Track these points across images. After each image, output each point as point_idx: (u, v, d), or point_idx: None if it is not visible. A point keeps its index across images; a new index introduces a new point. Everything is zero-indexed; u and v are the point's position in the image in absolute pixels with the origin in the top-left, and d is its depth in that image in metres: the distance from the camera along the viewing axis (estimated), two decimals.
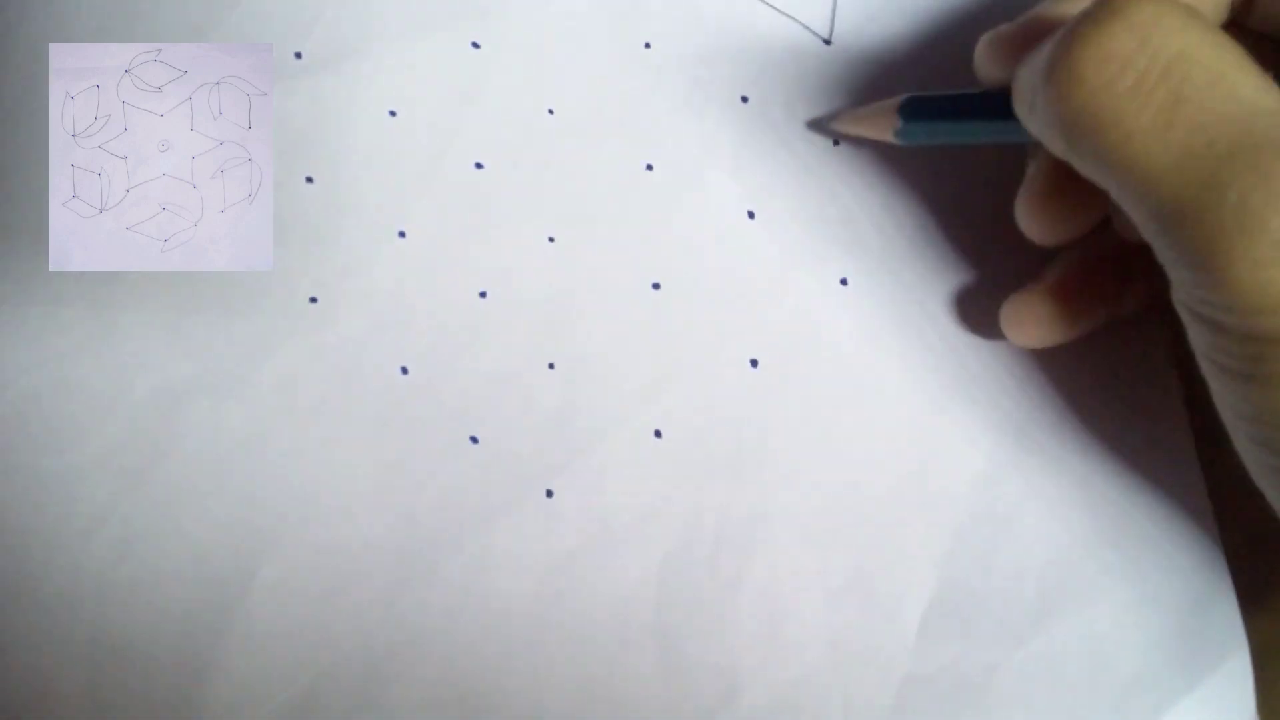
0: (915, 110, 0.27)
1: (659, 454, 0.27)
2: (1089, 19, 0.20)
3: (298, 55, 0.29)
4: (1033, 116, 0.22)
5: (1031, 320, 0.26)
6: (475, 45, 0.30)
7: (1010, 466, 0.28)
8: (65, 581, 0.25)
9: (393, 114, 0.29)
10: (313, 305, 0.28)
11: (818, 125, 0.30)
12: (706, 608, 0.26)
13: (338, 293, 0.28)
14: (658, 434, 0.27)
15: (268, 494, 0.26)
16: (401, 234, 0.28)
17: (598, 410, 0.27)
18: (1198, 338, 0.21)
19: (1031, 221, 0.25)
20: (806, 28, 0.31)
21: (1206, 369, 0.21)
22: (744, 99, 0.30)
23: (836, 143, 0.30)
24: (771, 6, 0.31)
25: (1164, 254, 0.20)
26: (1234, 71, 0.19)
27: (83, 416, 0.27)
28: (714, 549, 0.27)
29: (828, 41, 0.31)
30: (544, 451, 0.27)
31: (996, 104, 0.25)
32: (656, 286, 0.29)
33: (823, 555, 0.27)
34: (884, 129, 0.27)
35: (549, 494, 0.27)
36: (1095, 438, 0.28)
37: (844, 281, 0.29)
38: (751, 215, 0.29)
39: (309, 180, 0.29)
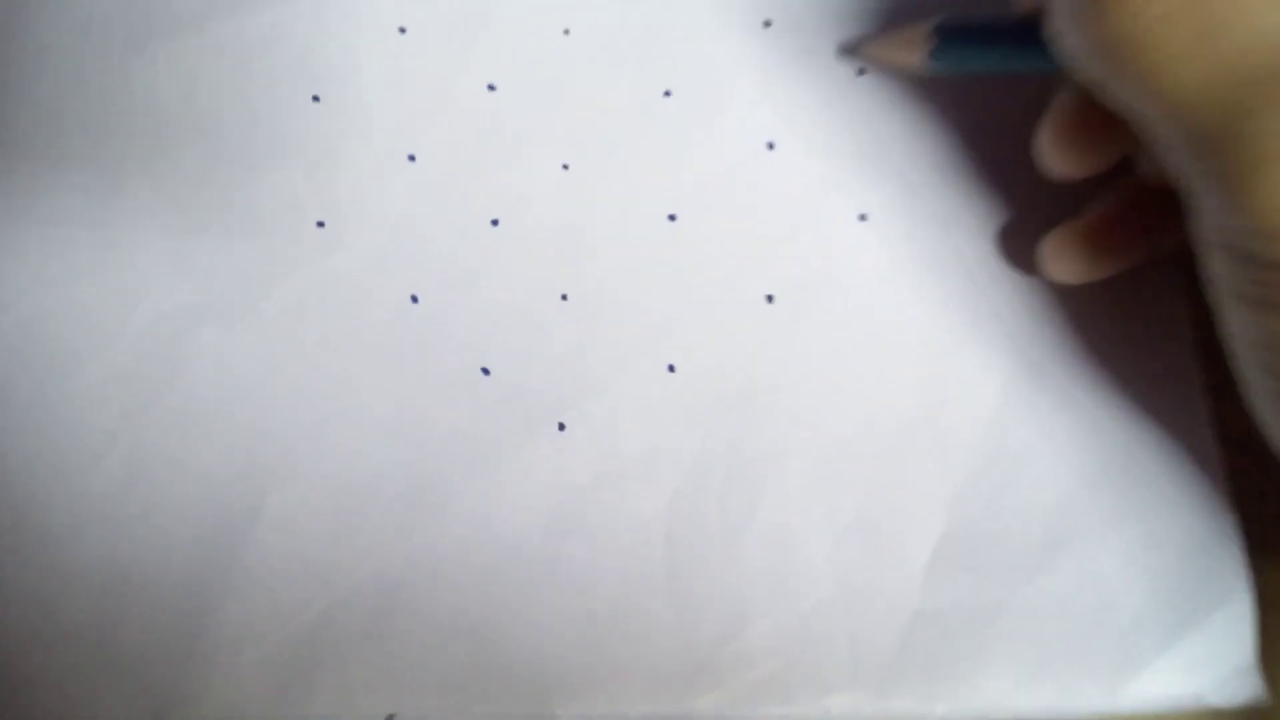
0: (947, 35, 0.26)
1: (672, 388, 0.27)
2: None
3: None
4: (1065, 43, 0.22)
5: (1071, 256, 0.26)
6: None
7: (1022, 406, 0.28)
8: (71, 508, 0.25)
9: (402, 30, 0.28)
10: (320, 230, 0.27)
11: (847, 50, 0.29)
12: (716, 544, 0.26)
13: (346, 217, 0.27)
14: (671, 368, 0.27)
15: (276, 422, 0.26)
16: (411, 157, 0.28)
17: (611, 343, 0.27)
18: (1218, 268, 0.22)
19: (1052, 154, 0.26)
20: None
21: (1224, 301, 0.22)
22: (767, 23, 0.29)
23: (862, 72, 0.29)
24: None
25: (1190, 182, 0.21)
26: (1262, 1, 0.19)
27: (86, 341, 0.26)
28: (725, 485, 0.26)
29: None
30: (556, 384, 0.27)
31: (1030, 31, 0.24)
32: (672, 218, 0.28)
33: (833, 493, 0.26)
34: (914, 54, 0.27)
35: (561, 427, 0.27)
36: (1107, 380, 0.28)
37: (863, 217, 0.28)
38: (771, 146, 0.29)
39: (315, 99, 0.28)
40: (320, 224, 0.27)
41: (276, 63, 0.28)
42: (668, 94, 0.29)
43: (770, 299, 0.28)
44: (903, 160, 0.29)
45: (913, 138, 0.29)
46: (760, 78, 0.29)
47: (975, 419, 0.27)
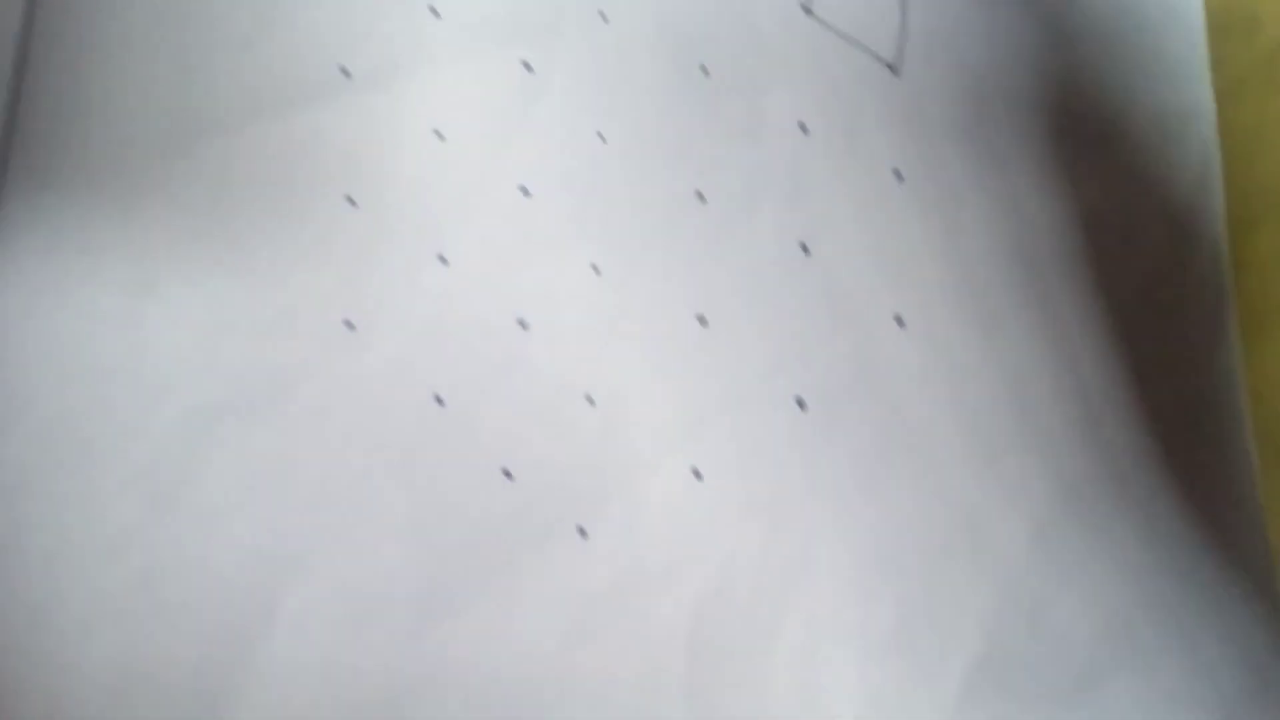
0: None
1: (697, 495, 0.26)
2: None
3: (345, 72, 0.29)
4: None
5: None
6: (527, 66, 0.29)
7: (1065, 521, 0.26)
8: (87, 605, 0.25)
9: (439, 135, 0.29)
10: (349, 330, 0.27)
11: None
12: (740, 658, 0.25)
13: (374, 318, 0.27)
14: (697, 474, 0.26)
15: (295, 522, 0.26)
16: (442, 259, 0.28)
17: (636, 447, 0.27)
18: None
19: None
20: (873, 54, 0.30)
21: None
22: (803, 127, 0.29)
23: (898, 176, 0.29)
24: (836, 32, 0.30)
25: None
26: None
27: (110, 437, 0.26)
28: (750, 597, 0.25)
29: (894, 70, 0.30)
30: (579, 488, 0.26)
31: None
32: (702, 320, 0.28)
33: (864, 608, 0.25)
34: None
35: (582, 532, 0.26)
36: (1157, 494, 0.26)
37: (899, 321, 0.28)
38: (805, 249, 0.28)
39: (350, 201, 0.28)
40: (349, 324, 0.27)
41: (314, 165, 0.28)
42: (701, 196, 0.29)
43: (801, 404, 0.27)
44: (941, 264, 0.28)
45: (950, 242, 0.28)
46: (795, 180, 0.29)
47: (1015, 532, 0.26)
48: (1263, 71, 0.28)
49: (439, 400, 0.27)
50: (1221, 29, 0.29)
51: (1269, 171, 0.27)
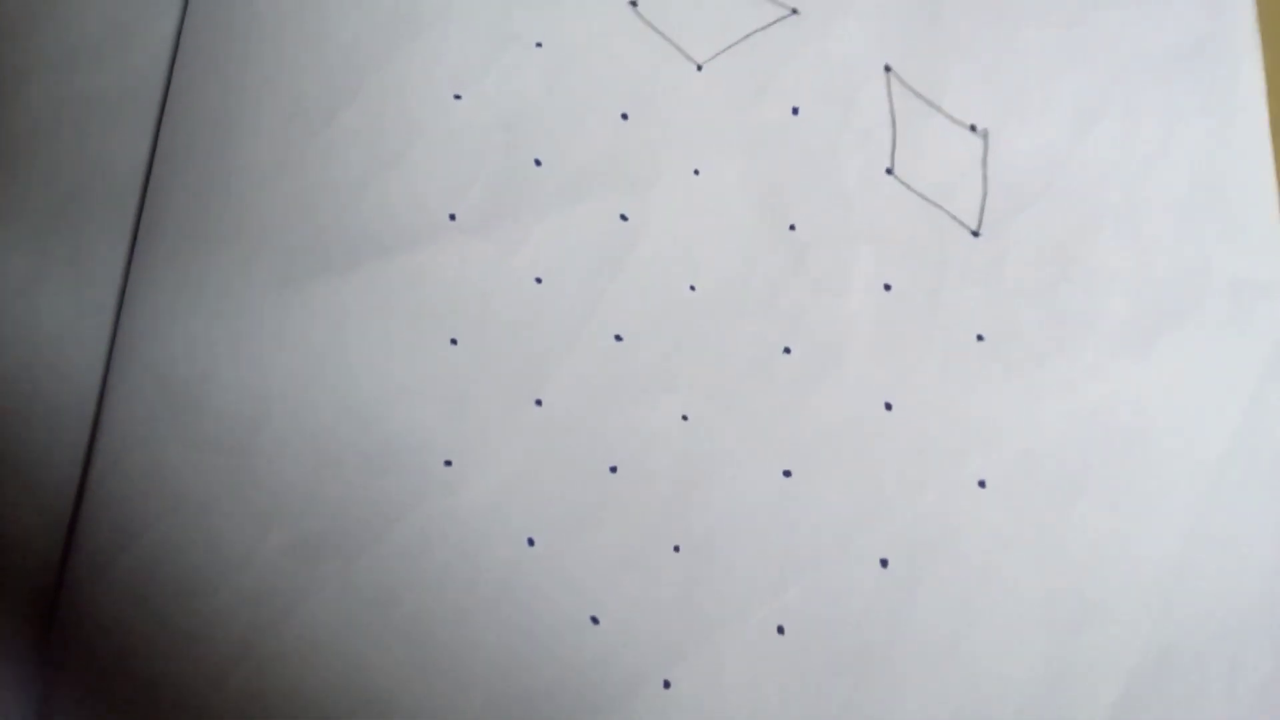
0: None
1: (781, 650, 0.27)
2: None
3: (451, 216, 0.30)
4: None
5: None
6: (623, 217, 0.30)
7: (1151, 692, 0.26)
8: None
9: (538, 280, 0.30)
10: (447, 468, 0.28)
11: None
12: None
13: (472, 457, 0.28)
14: (780, 630, 0.27)
15: (391, 658, 0.26)
16: (538, 402, 0.29)
17: (721, 599, 0.27)
18: None
19: None
20: (954, 218, 0.31)
21: None
22: (887, 286, 0.30)
23: (980, 338, 0.30)
24: (920, 195, 0.31)
25: None
26: None
27: (218, 564, 0.27)
28: None
29: (976, 233, 0.31)
30: (664, 637, 0.27)
31: None
32: (788, 474, 0.28)
33: None
34: None
35: (666, 685, 0.26)
36: (1246, 665, 0.26)
37: (982, 484, 0.28)
38: (889, 406, 0.29)
39: (453, 342, 0.29)
40: (448, 463, 0.28)
41: (418, 305, 0.29)
42: (788, 350, 0.29)
43: (884, 563, 0.27)
44: (1023, 426, 0.29)
45: (1034, 404, 0.29)
46: (879, 337, 0.30)
47: (1100, 702, 0.26)
48: None
49: (531, 542, 0.27)
50: None
51: None
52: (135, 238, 0.30)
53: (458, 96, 0.31)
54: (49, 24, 0.32)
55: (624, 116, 0.31)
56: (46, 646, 0.27)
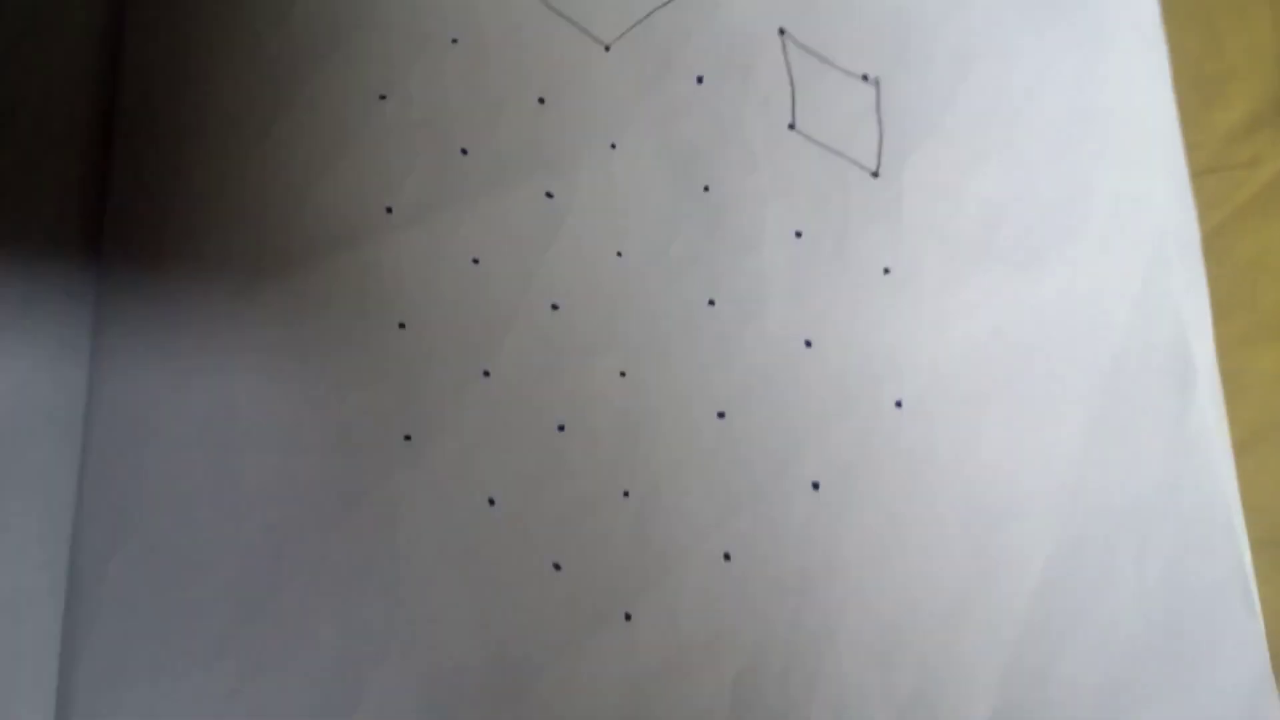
0: None
1: (729, 576, 0.29)
2: None
3: (389, 210, 0.32)
4: None
5: None
6: (549, 195, 0.33)
7: (1066, 578, 0.29)
8: (191, 707, 0.28)
9: (475, 261, 0.32)
10: (407, 443, 0.30)
11: None
12: None
13: (430, 430, 0.30)
14: (727, 557, 0.29)
15: (373, 623, 0.29)
16: (486, 373, 0.31)
17: (671, 535, 0.30)
18: None
19: None
20: (854, 162, 0.33)
21: None
22: (798, 234, 0.32)
23: (886, 271, 0.32)
24: (821, 145, 0.33)
25: None
26: None
27: (203, 553, 0.29)
28: (784, 668, 0.28)
29: (875, 174, 0.33)
30: (622, 576, 0.29)
31: None
32: (721, 415, 0.31)
33: (887, 673, 0.28)
34: None
35: (627, 617, 0.29)
36: (1151, 547, 0.29)
37: (899, 404, 0.31)
38: (809, 344, 0.31)
39: (401, 325, 0.31)
40: (407, 437, 0.30)
41: (365, 295, 0.32)
42: (711, 303, 0.32)
43: (816, 486, 0.30)
44: (932, 349, 0.31)
45: (940, 329, 0.31)
46: (794, 283, 0.32)
47: (1020, 592, 0.29)
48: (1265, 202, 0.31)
49: (492, 502, 0.30)
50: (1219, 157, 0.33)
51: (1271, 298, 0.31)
52: (101, 254, 0.32)
53: (383, 97, 0.33)
54: None
55: (540, 101, 0.34)
56: (62, 642, 0.29)
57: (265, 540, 0.29)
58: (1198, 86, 0.33)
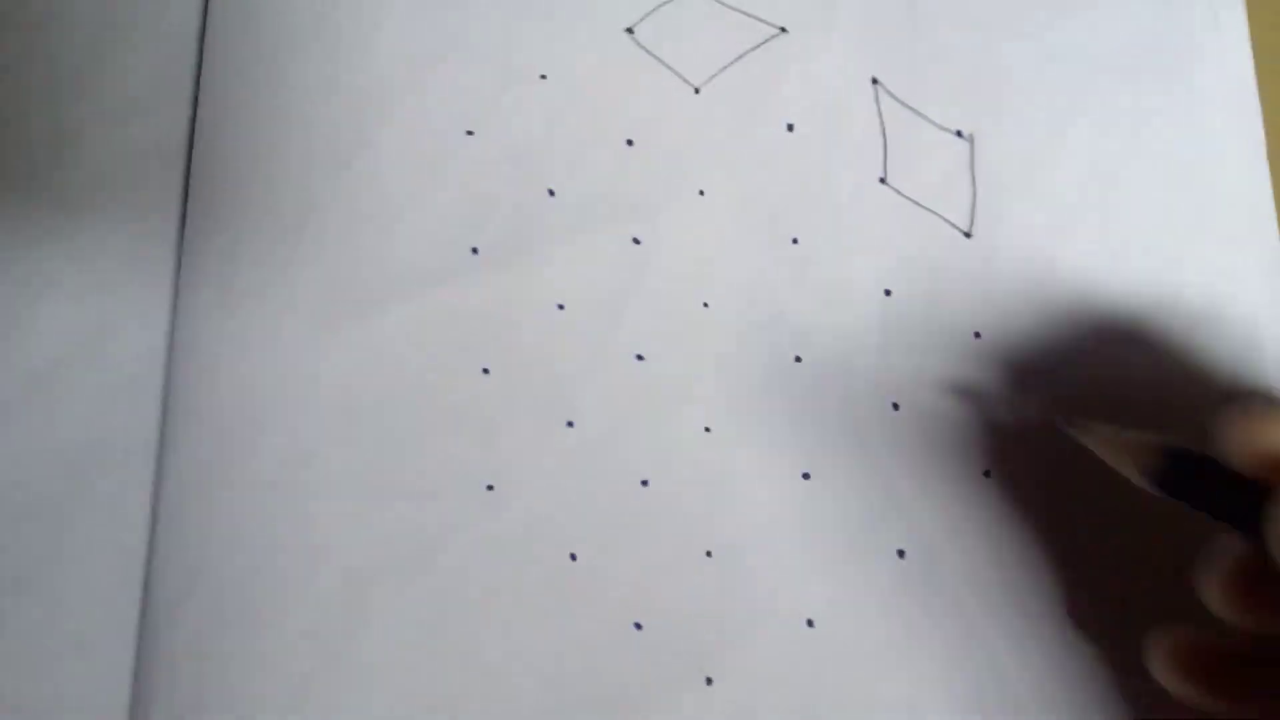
0: (1175, 462, 0.24)
1: (811, 642, 0.29)
2: None
3: (474, 250, 0.32)
4: None
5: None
6: (635, 241, 0.32)
7: None
8: None
9: (560, 307, 0.31)
10: (489, 492, 0.30)
11: (1068, 424, 0.28)
12: None
13: (511, 479, 0.30)
14: (810, 623, 0.29)
15: (449, 674, 0.28)
16: (570, 424, 0.31)
17: (753, 598, 0.29)
18: None
19: (1225, 609, 0.23)
20: (947, 220, 0.33)
21: None
22: (887, 292, 0.32)
23: (977, 335, 0.32)
24: (913, 201, 0.33)
25: None
26: None
27: (279, 600, 0.29)
28: None
29: (968, 234, 0.32)
30: (703, 639, 0.29)
31: (1253, 501, 0.22)
32: (807, 476, 0.30)
33: None
34: (1129, 460, 0.25)
35: (709, 681, 0.28)
36: None
37: (987, 474, 0.30)
38: (896, 406, 0.31)
39: (485, 371, 0.31)
40: (489, 487, 0.30)
41: (449, 337, 0.31)
42: (798, 359, 0.31)
43: (902, 554, 0.30)
44: (1022, 421, 0.31)
45: (1026, 393, 0.31)
46: (882, 341, 0.31)
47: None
48: None
49: (573, 557, 0.29)
50: None
51: None
52: (177, 291, 0.32)
53: (470, 133, 0.33)
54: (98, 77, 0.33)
55: (629, 142, 0.33)
56: (133, 689, 0.29)
57: (343, 588, 0.29)
58: None
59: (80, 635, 0.29)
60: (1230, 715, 0.23)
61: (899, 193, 0.33)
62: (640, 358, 0.31)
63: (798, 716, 0.28)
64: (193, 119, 0.33)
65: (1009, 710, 0.28)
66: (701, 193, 0.33)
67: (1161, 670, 0.24)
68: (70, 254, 0.32)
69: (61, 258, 0.32)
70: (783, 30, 0.34)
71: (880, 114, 0.34)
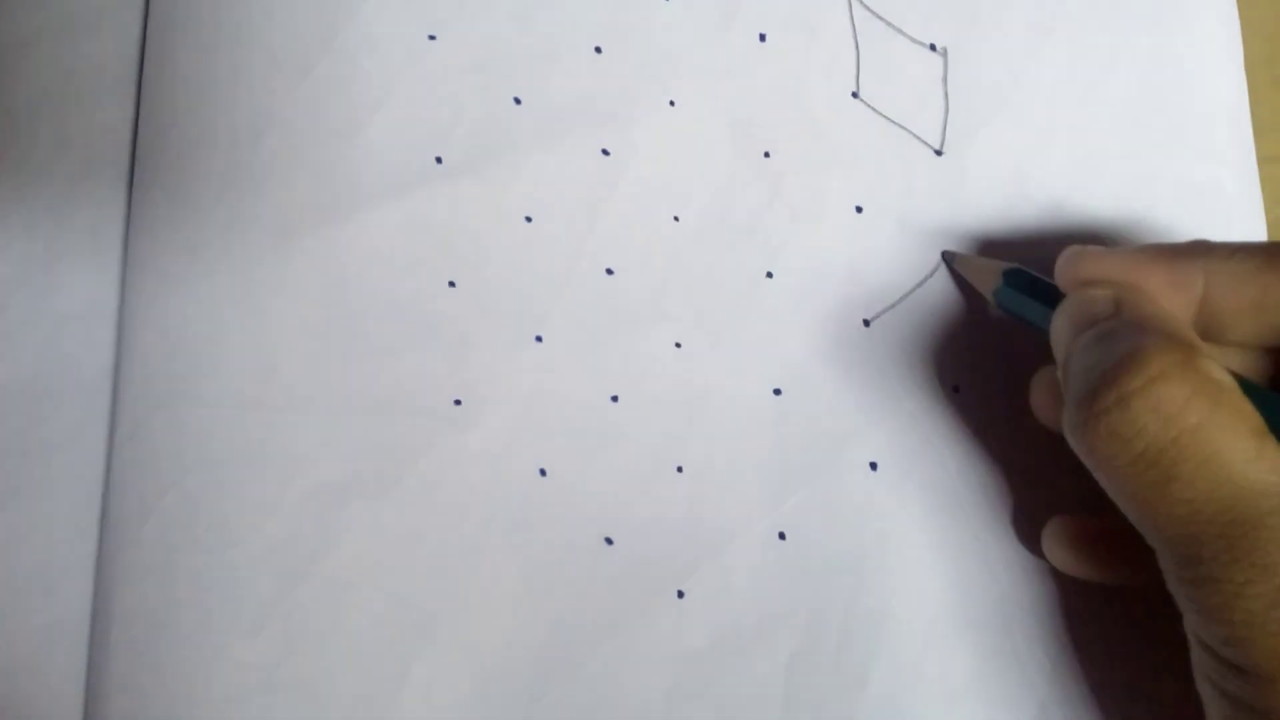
0: (1011, 282, 0.28)
1: (784, 555, 0.29)
2: (1104, 392, 0.21)
3: (438, 159, 0.31)
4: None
5: (1068, 550, 0.27)
6: (605, 152, 0.31)
7: None
8: (232, 677, 0.27)
9: (528, 219, 0.31)
10: (458, 407, 0.29)
11: (947, 258, 0.31)
12: (832, 707, 0.28)
13: (480, 395, 0.29)
14: (782, 536, 0.29)
15: (420, 592, 0.28)
16: (539, 338, 0.30)
17: (724, 513, 0.29)
18: (1195, 655, 0.22)
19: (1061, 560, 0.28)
20: (918, 138, 0.32)
21: (1199, 679, 0.23)
22: (858, 209, 0.32)
23: (948, 264, 0.31)
24: (885, 117, 0.32)
25: (1170, 586, 0.22)
26: (1227, 450, 0.20)
27: (245, 516, 0.28)
28: (839, 649, 0.28)
29: (939, 152, 0.32)
30: (674, 552, 0.29)
31: None
32: (778, 392, 0.30)
33: (942, 656, 0.28)
34: (986, 285, 0.29)
35: (680, 595, 0.28)
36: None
37: (956, 389, 0.30)
38: (867, 323, 0.31)
39: (451, 284, 0.30)
40: (457, 402, 0.29)
41: (415, 251, 0.30)
42: (770, 275, 0.31)
43: (874, 466, 0.30)
44: (988, 337, 0.31)
45: (996, 317, 0.31)
46: (854, 259, 0.31)
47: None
48: None
49: (543, 472, 0.29)
50: None
51: None
52: (130, 208, 0.30)
53: (432, 38, 0.32)
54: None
55: (597, 50, 0.32)
56: (93, 608, 0.28)
57: (308, 505, 0.28)
58: (1270, 68, 0.33)
59: (40, 565, 0.28)
60: (1102, 579, 0.27)
61: (872, 108, 0.32)
62: (610, 272, 0.31)
63: (771, 629, 0.28)
64: (144, 33, 0.31)
65: (979, 618, 0.29)
66: (672, 103, 0.32)
67: (1047, 549, 0.27)
68: (18, 178, 0.30)
69: (8, 183, 0.30)
70: None
71: (854, 26, 0.33)
